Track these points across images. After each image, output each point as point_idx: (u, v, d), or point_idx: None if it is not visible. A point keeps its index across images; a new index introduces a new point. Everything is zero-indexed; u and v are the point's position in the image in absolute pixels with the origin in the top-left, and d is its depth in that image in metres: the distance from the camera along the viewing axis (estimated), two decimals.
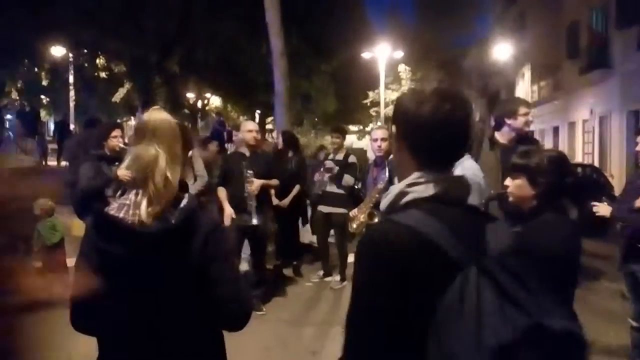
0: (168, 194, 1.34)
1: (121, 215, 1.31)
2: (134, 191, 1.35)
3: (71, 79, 15.81)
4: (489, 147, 3.09)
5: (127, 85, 16.51)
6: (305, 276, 5.65)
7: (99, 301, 1.36)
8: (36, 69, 15.45)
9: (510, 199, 1.98)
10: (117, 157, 4.05)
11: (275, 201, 5.11)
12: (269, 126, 19.54)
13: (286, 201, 5.35)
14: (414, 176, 1.05)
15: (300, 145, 6.43)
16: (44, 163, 12.54)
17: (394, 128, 1.10)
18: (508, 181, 1.97)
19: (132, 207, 1.32)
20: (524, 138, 3.12)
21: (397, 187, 1.06)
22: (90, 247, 1.34)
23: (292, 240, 5.66)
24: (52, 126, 24.96)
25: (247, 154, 4.49)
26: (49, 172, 11.03)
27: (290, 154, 5.64)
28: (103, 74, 15.43)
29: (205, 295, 1.37)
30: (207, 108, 24.68)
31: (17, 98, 19.45)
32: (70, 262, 4.87)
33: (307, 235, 6.27)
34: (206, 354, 1.46)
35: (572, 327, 0.88)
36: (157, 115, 1.42)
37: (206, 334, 1.44)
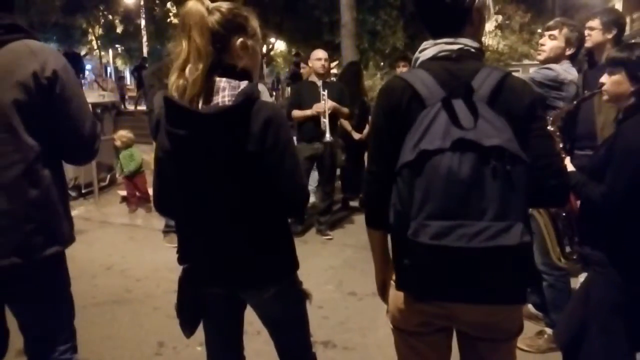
0: (187, 87, 1.32)
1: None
2: None
3: (143, 24, 16.28)
4: (587, 65, 2.95)
5: None
6: None
7: (172, 185, 1.46)
8: (110, 16, 16.02)
9: (605, 97, 1.86)
10: None
11: (356, 136, 5.10)
12: (333, 70, 19.16)
13: (365, 133, 5.28)
14: (423, 44, 1.36)
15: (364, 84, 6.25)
16: (122, 107, 13.20)
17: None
18: (604, 78, 1.85)
19: None
20: None
21: (416, 53, 1.38)
22: (163, 135, 1.40)
23: (358, 173, 5.67)
24: (128, 74, 26.10)
25: (319, 83, 4.46)
26: (128, 113, 11.65)
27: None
28: (173, 19, 15.73)
29: (265, 181, 1.40)
30: (271, 53, 24.66)
31: (96, 47, 20.39)
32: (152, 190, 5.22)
33: None
34: (274, 237, 1.51)
35: (504, 144, 1.09)
36: (187, 5, 1.35)
37: (270, 217, 1.48)
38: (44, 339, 1.67)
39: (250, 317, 1.68)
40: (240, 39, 1.40)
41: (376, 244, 1.45)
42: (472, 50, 1.31)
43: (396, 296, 1.34)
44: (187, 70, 1.33)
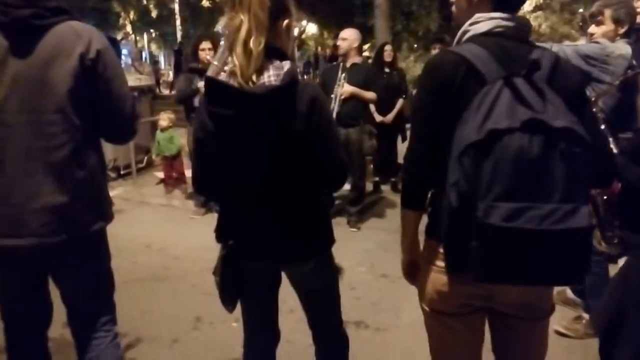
0: (251, 62, 1.34)
1: (230, 81, 1.37)
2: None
3: (177, 8, 16.46)
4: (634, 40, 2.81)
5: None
6: None
7: (213, 165, 1.49)
8: (145, 1, 16.23)
9: None
10: (207, 69, 4.09)
11: (378, 118, 4.99)
12: (365, 53, 18.93)
13: (390, 117, 5.22)
14: (475, 17, 1.27)
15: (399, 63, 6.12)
16: (157, 91, 13.43)
17: None
18: None
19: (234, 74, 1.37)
20: None
21: (464, 25, 1.30)
22: (204, 115, 1.42)
23: (391, 157, 5.63)
24: (162, 58, 26.47)
25: (347, 65, 4.28)
26: (162, 97, 11.86)
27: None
28: (206, 2, 15.80)
29: (308, 159, 1.43)
30: (303, 36, 24.53)
31: (131, 32, 20.74)
32: (189, 172, 5.34)
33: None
34: (314, 213, 1.55)
35: (572, 126, 1.07)
36: None
37: (311, 193, 1.52)
38: (86, 311, 1.74)
39: (284, 295, 1.73)
40: (287, 20, 1.43)
41: (410, 225, 1.42)
42: (525, 29, 1.28)
43: (436, 278, 1.33)
44: (251, 43, 1.34)
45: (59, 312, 1.78)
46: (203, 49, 4.29)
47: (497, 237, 1.06)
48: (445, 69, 1.23)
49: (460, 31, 1.32)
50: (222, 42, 4.06)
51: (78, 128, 1.54)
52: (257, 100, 1.34)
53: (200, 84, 4.07)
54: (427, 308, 1.41)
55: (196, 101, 4.15)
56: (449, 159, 1.16)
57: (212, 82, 1.39)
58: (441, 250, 1.29)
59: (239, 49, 1.35)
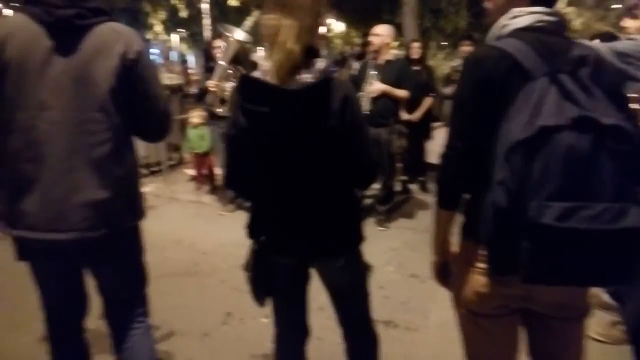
0: (289, 62, 1.37)
1: (264, 78, 1.40)
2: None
3: (205, 7, 16.59)
4: None
5: (255, 13, 16.83)
6: (431, 191, 5.60)
7: (245, 162, 1.51)
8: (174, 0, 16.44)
9: None
10: None
11: (405, 116, 4.93)
12: (393, 51, 18.77)
13: (417, 114, 5.15)
14: (514, 11, 1.26)
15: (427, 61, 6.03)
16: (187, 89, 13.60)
17: None
18: None
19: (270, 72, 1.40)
20: None
21: (501, 20, 1.28)
22: (237, 113, 1.44)
23: (418, 156, 5.57)
24: (191, 58, 26.74)
25: (380, 62, 4.19)
26: (191, 96, 12.00)
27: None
28: (234, 2, 15.91)
29: (340, 156, 1.45)
30: (330, 34, 24.48)
31: (161, 32, 21.05)
32: (218, 170, 5.40)
33: (434, 150, 6.11)
34: (347, 210, 1.56)
35: (622, 124, 1.04)
36: None
37: (343, 190, 1.54)
38: (121, 302, 1.79)
39: (314, 292, 1.73)
40: (319, 19, 1.45)
41: (445, 226, 1.40)
42: (564, 24, 1.26)
43: (475, 280, 1.31)
44: (290, 44, 1.36)
45: (95, 305, 1.83)
46: (213, 47, 4.46)
47: (550, 238, 1.04)
48: (487, 64, 1.20)
49: (499, 25, 1.29)
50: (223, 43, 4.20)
51: (118, 126, 1.58)
52: (292, 97, 1.36)
53: (207, 83, 4.20)
54: (463, 310, 1.38)
55: (208, 99, 4.25)
56: (490, 156, 1.14)
57: (247, 80, 1.41)
58: (481, 252, 1.27)
59: (277, 49, 1.37)
